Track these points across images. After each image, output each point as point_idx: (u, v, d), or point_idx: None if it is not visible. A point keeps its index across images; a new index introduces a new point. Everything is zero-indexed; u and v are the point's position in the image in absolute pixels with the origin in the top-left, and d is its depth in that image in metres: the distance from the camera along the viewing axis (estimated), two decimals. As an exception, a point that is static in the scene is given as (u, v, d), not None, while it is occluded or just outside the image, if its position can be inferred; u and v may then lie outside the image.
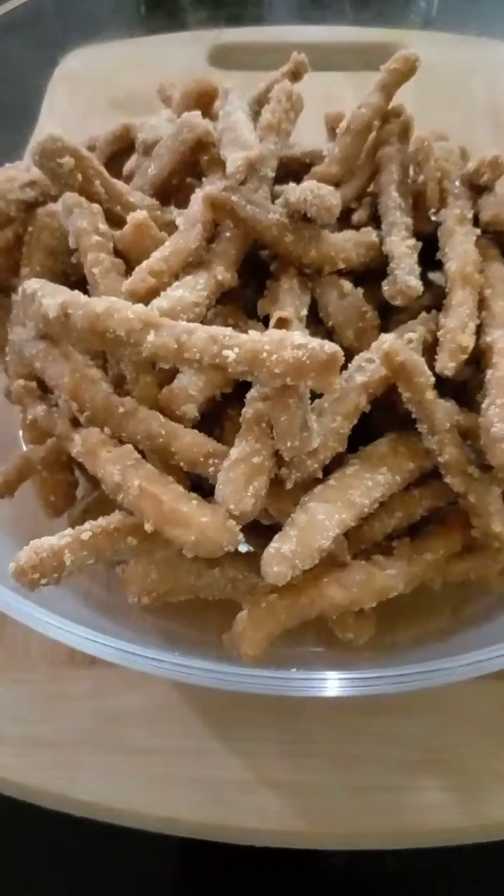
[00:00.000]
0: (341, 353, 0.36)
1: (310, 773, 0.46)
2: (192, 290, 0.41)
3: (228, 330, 0.37)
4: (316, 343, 0.36)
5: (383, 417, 0.45)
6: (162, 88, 0.58)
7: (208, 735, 0.47)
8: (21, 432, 0.47)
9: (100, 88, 0.78)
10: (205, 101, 0.52)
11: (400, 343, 0.40)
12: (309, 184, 0.43)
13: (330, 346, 0.36)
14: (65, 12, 0.78)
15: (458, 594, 0.47)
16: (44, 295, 0.40)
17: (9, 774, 0.45)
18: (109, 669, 0.48)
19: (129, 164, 0.55)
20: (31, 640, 0.50)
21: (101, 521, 0.38)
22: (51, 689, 0.48)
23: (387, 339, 0.39)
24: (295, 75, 0.54)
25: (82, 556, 0.36)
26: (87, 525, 0.37)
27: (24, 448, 0.46)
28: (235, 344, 0.36)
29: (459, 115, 0.73)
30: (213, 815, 0.45)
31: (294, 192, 0.43)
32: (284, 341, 0.36)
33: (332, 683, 0.30)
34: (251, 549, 0.43)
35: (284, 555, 0.36)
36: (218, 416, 0.44)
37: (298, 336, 0.36)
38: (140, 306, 0.38)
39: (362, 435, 0.43)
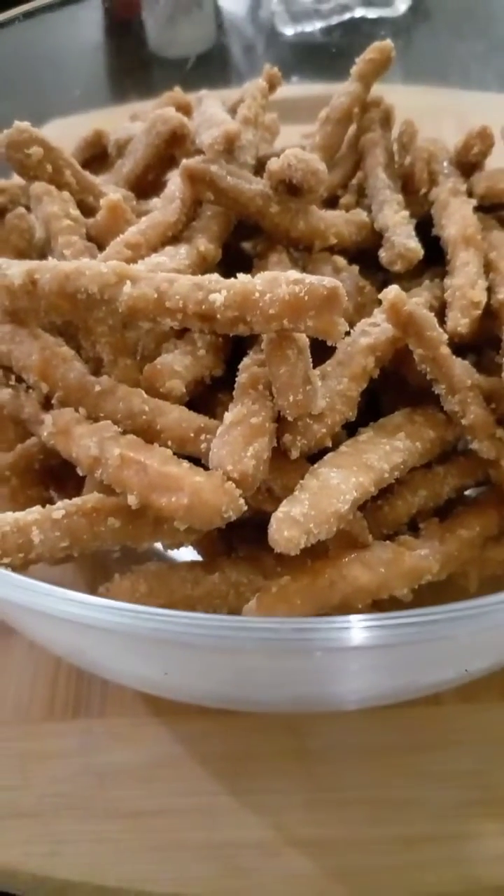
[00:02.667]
0: (343, 289, 0.32)
1: (344, 827, 0.38)
2: (172, 258, 0.38)
3: (215, 275, 0.33)
4: (314, 278, 0.32)
5: (392, 399, 0.40)
6: (134, 115, 0.57)
7: (218, 790, 0.39)
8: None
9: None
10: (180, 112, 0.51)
11: (405, 295, 0.36)
12: (291, 150, 0.40)
13: (330, 281, 0.31)
14: (41, 87, 0.79)
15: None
16: (8, 267, 0.36)
17: (-25, 851, 0.37)
18: (96, 720, 0.41)
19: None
20: (3, 693, 0.42)
21: (77, 499, 0.32)
22: (26, 748, 0.41)
23: (392, 290, 0.35)
24: (269, 87, 0.52)
25: (54, 536, 0.30)
26: (59, 504, 0.32)
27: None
28: (223, 287, 0.32)
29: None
30: (230, 887, 0.36)
31: (276, 160, 0.40)
32: (279, 279, 0.32)
33: (359, 633, 0.23)
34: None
35: (296, 518, 0.30)
36: (208, 404, 0.39)
37: (294, 273, 0.32)
38: (114, 261, 0.34)
39: (370, 419, 0.38)
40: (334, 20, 0.92)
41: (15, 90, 0.75)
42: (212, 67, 0.88)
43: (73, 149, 0.52)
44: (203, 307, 0.32)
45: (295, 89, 0.81)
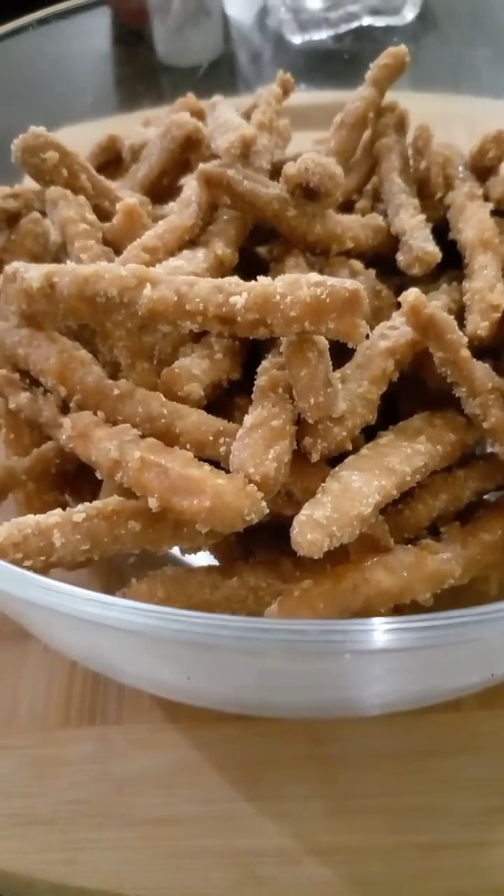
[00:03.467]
0: (364, 291, 0.31)
1: (365, 834, 0.37)
2: (189, 262, 0.38)
3: (235, 278, 0.33)
4: (336, 280, 0.31)
5: (412, 402, 0.40)
6: (147, 121, 0.57)
7: (237, 797, 0.39)
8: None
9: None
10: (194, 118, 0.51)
11: (425, 298, 0.36)
12: (308, 154, 0.40)
13: (352, 284, 0.31)
14: (51, 94, 0.80)
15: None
16: (27, 270, 0.36)
17: (-7, 859, 0.37)
18: (112, 727, 0.41)
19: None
20: (18, 699, 0.42)
21: (98, 502, 0.32)
22: (43, 755, 0.40)
23: (412, 292, 0.35)
24: (282, 92, 0.53)
25: (75, 539, 0.30)
26: (80, 507, 0.31)
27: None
28: (244, 289, 0.32)
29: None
30: (249, 895, 0.36)
31: (293, 164, 0.40)
32: (300, 281, 0.32)
33: (387, 635, 0.23)
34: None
35: (318, 521, 0.29)
36: (225, 408, 0.39)
37: (314, 275, 0.32)
38: (133, 264, 0.34)
39: (389, 423, 0.38)
40: (342, 28, 0.92)
41: (26, 97, 0.75)
42: (220, 75, 0.88)
43: (88, 154, 0.52)
44: (223, 310, 0.32)
45: (304, 97, 0.81)
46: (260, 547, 0.38)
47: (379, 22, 0.92)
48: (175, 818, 0.38)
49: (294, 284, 0.32)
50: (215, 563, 0.38)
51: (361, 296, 0.31)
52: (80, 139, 0.78)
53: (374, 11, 0.92)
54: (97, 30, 0.85)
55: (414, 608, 0.33)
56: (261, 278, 0.33)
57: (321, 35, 0.93)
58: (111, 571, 0.42)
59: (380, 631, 0.23)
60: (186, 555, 0.37)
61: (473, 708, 0.40)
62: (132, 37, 0.88)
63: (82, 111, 0.81)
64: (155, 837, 0.37)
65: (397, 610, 0.34)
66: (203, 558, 0.38)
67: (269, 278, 0.33)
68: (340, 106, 0.53)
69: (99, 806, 0.38)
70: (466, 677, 0.34)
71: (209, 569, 0.36)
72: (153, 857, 0.37)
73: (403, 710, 0.38)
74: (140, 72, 0.88)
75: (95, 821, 0.38)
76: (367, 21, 0.92)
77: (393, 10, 0.92)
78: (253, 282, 0.32)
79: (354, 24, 0.92)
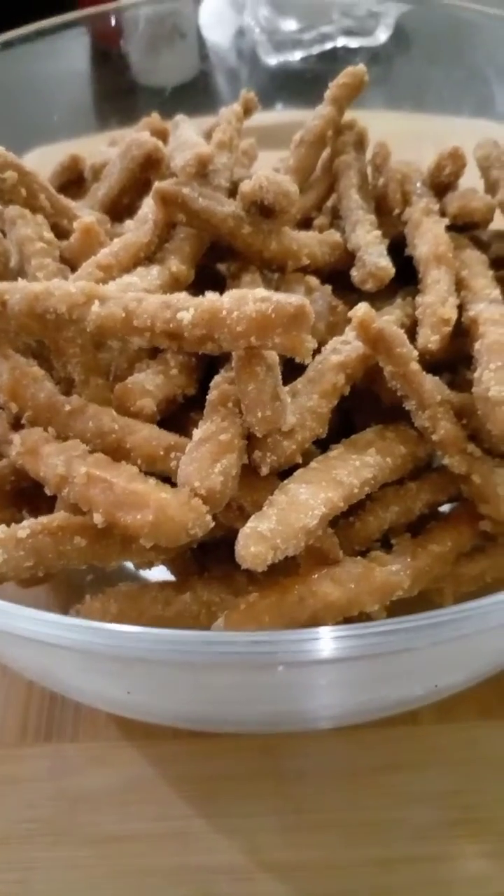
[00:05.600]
0: (310, 307, 0.32)
1: (319, 850, 0.37)
2: (143, 278, 0.38)
3: (183, 294, 0.33)
4: (281, 295, 0.32)
5: (366, 417, 0.40)
6: (112, 140, 0.58)
7: (191, 813, 0.38)
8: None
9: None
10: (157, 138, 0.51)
11: (374, 312, 0.36)
12: (263, 172, 0.41)
13: (298, 299, 0.32)
14: (24, 116, 0.80)
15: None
16: (-22, 288, 0.36)
17: None
18: (68, 744, 0.41)
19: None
20: (-25, 716, 0.42)
21: (43, 518, 0.32)
22: (-1, 773, 0.40)
23: (361, 307, 0.35)
24: (244, 112, 0.53)
25: (18, 556, 0.30)
26: (24, 522, 0.31)
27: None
28: (191, 305, 0.32)
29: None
30: (202, 913, 0.36)
31: (248, 182, 0.41)
32: (246, 297, 0.32)
33: (317, 644, 0.23)
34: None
35: (263, 534, 0.30)
36: (181, 424, 0.39)
37: (261, 291, 0.32)
38: (82, 281, 0.34)
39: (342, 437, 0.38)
40: (316, 50, 0.93)
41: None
42: (196, 95, 0.89)
43: (50, 174, 0.52)
44: (171, 325, 0.32)
45: (277, 116, 0.82)
46: (215, 562, 0.38)
47: (353, 43, 0.93)
48: (129, 836, 0.38)
49: (240, 300, 0.32)
50: (172, 578, 0.38)
51: (307, 311, 0.32)
52: (54, 160, 0.79)
53: (348, 32, 0.93)
54: (74, 50, 0.86)
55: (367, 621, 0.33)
56: (209, 294, 0.33)
57: (295, 56, 0.94)
58: (70, 588, 0.42)
59: (308, 641, 0.23)
60: (141, 570, 0.37)
61: (431, 721, 0.40)
62: (108, 57, 0.89)
63: (55, 132, 0.82)
64: (109, 856, 0.37)
65: (347, 622, 0.34)
66: (160, 573, 0.38)
67: (217, 294, 0.33)
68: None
69: (53, 824, 0.38)
70: (409, 689, 0.34)
71: (163, 584, 0.36)
72: (107, 876, 0.37)
73: (358, 724, 0.38)
74: (116, 92, 0.88)
75: (49, 839, 0.38)
76: (340, 42, 0.93)
77: (366, 31, 0.93)
78: (200, 297, 0.33)
79: (328, 46, 0.93)
